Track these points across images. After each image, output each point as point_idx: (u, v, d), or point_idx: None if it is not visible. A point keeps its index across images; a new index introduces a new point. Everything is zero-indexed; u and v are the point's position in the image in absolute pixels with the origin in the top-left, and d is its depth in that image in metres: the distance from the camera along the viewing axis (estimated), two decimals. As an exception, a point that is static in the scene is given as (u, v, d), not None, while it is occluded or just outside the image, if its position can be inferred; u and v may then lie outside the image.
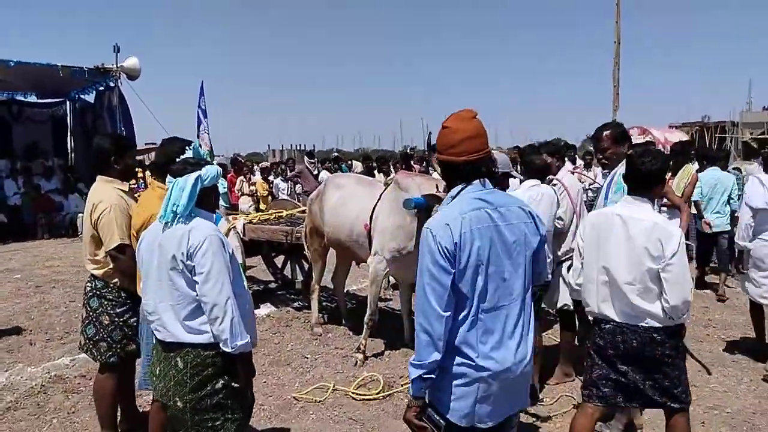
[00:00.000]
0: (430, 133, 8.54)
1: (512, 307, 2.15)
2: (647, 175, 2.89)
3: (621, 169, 3.66)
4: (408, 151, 15.17)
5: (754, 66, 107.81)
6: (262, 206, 10.96)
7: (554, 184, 4.51)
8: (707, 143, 32.71)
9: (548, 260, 2.48)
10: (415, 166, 11.38)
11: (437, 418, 2.12)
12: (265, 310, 6.77)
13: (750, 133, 39.80)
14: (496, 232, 2.11)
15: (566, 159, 5.68)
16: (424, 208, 4.43)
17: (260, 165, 14.74)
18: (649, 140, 12.16)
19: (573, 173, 5.10)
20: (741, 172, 9.21)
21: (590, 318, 3.22)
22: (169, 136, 3.55)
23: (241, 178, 11.99)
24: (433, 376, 2.08)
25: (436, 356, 2.05)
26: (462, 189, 2.18)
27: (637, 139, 11.31)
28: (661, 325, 2.82)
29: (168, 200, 2.55)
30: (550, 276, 4.01)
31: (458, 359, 2.10)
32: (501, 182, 3.50)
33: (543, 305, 4.57)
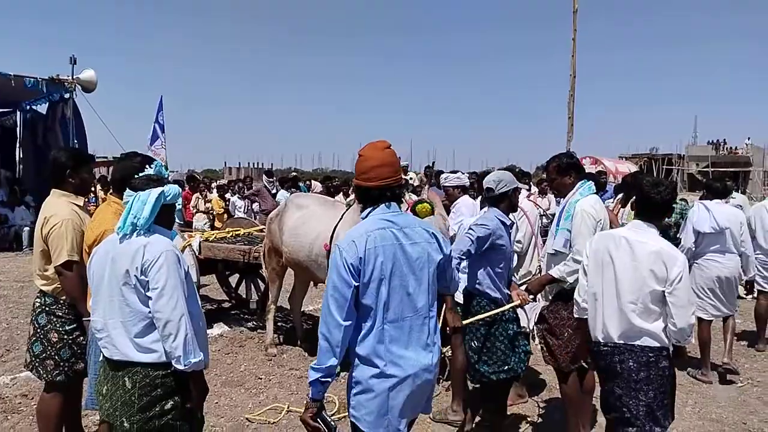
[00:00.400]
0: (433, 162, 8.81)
1: (416, 319, 2.36)
2: (660, 204, 3.00)
3: (572, 198, 3.84)
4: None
5: (699, 102, 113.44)
6: (217, 224, 10.81)
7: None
8: (655, 174, 34.19)
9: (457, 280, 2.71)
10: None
11: (329, 420, 2.32)
12: (218, 329, 6.65)
13: (696, 165, 41.66)
14: (400, 249, 2.34)
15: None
16: None
17: (217, 182, 14.49)
18: (600, 170, 12.66)
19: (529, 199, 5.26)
20: (687, 203, 9.65)
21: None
22: (124, 150, 3.50)
23: (197, 195, 11.82)
24: (330, 379, 2.30)
25: (333, 361, 2.25)
26: (371, 211, 2.43)
27: (589, 168, 11.70)
28: (657, 345, 2.89)
29: (128, 212, 2.52)
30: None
31: (367, 369, 2.31)
32: (513, 195, 3.76)
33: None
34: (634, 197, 3.22)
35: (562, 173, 3.95)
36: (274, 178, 14.55)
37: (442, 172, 6.86)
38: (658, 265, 2.85)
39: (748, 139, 43.12)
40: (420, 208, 4.65)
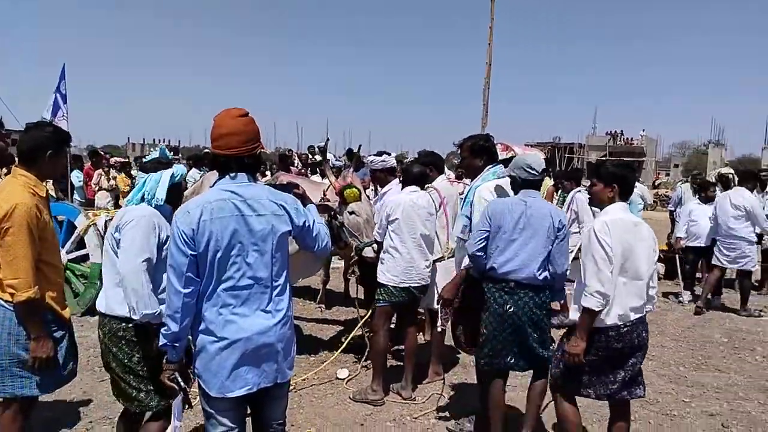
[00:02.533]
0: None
1: (257, 287, 2.41)
2: (633, 185, 3.33)
3: (475, 182, 3.81)
4: (286, 152, 14.99)
5: (599, 95, 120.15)
6: (122, 203, 10.25)
7: (431, 191, 4.75)
8: (557, 162, 35.89)
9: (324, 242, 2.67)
10: (293, 168, 11.26)
11: (180, 380, 2.50)
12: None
13: (595, 154, 44.13)
14: (242, 221, 2.36)
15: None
16: None
17: (113, 160, 13.09)
18: (512, 155, 13.09)
19: (450, 182, 5.32)
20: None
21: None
22: (24, 122, 3.22)
23: (99, 171, 11.08)
24: (177, 344, 2.42)
25: (175, 327, 2.35)
26: (218, 180, 2.47)
27: (501, 154, 11.96)
28: (648, 310, 3.26)
29: (141, 188, 2.90)
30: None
31: (203, 335, 2.39)
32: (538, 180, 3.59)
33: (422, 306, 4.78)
34: (616, 184, 3.18)
35: (474, 154, 3.92)
36: (180, 156, 13.93)
37: (360, 155, 6.77)
38: (654, 240, 3.23)
39: (643, 130, 46.30)
40: (348, 193, 4.60)
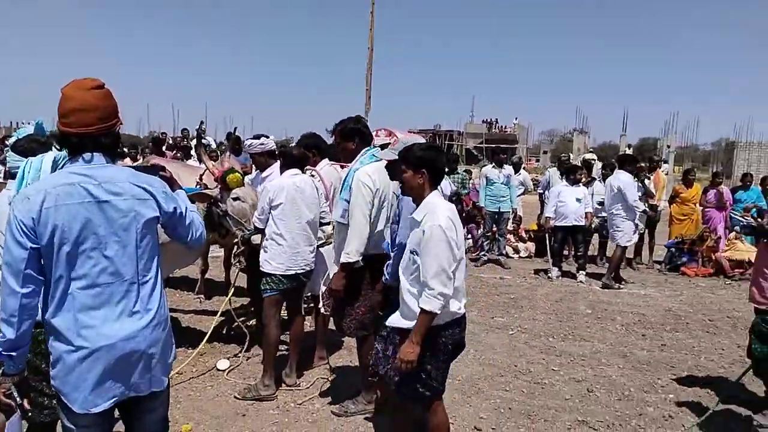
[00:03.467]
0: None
1: (119, 285, 2.10)
2: (442, 168, 3.09)
3: (353, 165, 3.76)
4: (160, 135, 14.18)
5: (476, 84, 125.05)
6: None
7: (312, 175, 4.67)
8: (439, 148, 37.06)
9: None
10: (167, 152, 10.68)
11: (17, 396, 2.12)
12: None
13: (473, 141, 46.07)
14: (96, 208, 2.06)
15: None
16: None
17: None
18: (394, 140, 13.29)
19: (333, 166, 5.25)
20: (468, 174, 10.78)
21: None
22: None
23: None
24: (15, 353, 2.06)
25: (10, 333, 2.01)
26: (67, 161, 2.15)
27: (384, 139, 12.06)
28: None
29: (22, 180, 2.55)
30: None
31: (57, 339, 2.07)
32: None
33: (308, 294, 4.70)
34: (425, 169, 3.12)
35: (345, 138, 3.89)
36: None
37: (240, 138, 6.53)
38: None
39: (516, 119, 48.97)
40: (231, 179, 4.40)
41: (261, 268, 4.20)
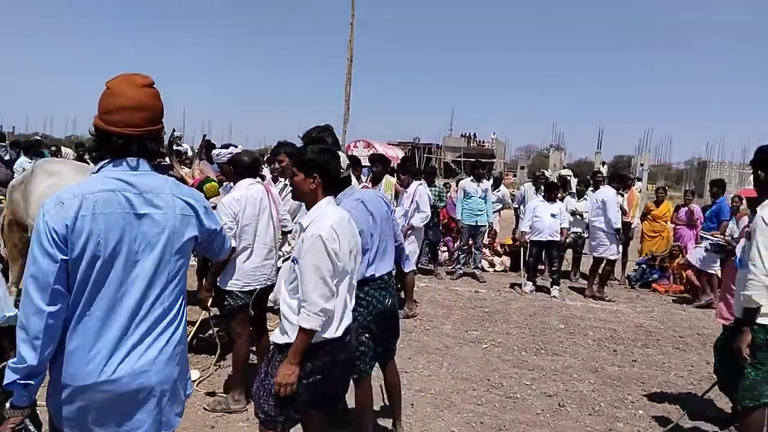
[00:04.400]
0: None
1: (142, 310, 1.88)
2: (335, 174, 2.88)
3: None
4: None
5: (456, 97, 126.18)
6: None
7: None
8: (417, 161, 37.29)
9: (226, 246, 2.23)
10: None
11: (32, 429, 1.85)
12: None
13: (451, 155, 46.37)
14: (134, 220, 1.85)
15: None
16: None
17: None
18: (373, 152, 13.36)
19: None
20: (445, 187, 10.88)
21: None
22: None
23: None
24: (32, 382, 1.78)
25: (32, 358, 1.74)
26: (106, 165, 1.90)
27: (362, 151, 12.28)
28: None
29: None
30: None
31: (65, 369, 1.81)
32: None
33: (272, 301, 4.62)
34: (317, 173, 2.76)
35: (307, 144, 3.77)
36: (7, 143, 12.50)
37: (214, 146, 6.46)
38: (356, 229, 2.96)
39: (494, 134, 49.40)
40: (208, 188, 4.33)
41: (218, 284, 4.06)
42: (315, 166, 2.73)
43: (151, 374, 1.89)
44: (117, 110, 1.86)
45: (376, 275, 3.42)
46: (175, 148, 6.03)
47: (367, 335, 3.39)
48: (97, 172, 1.90)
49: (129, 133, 1.87)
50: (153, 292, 1.90)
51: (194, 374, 4.63)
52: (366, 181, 7.80)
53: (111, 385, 1.82)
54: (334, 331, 2.60)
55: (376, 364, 3.60)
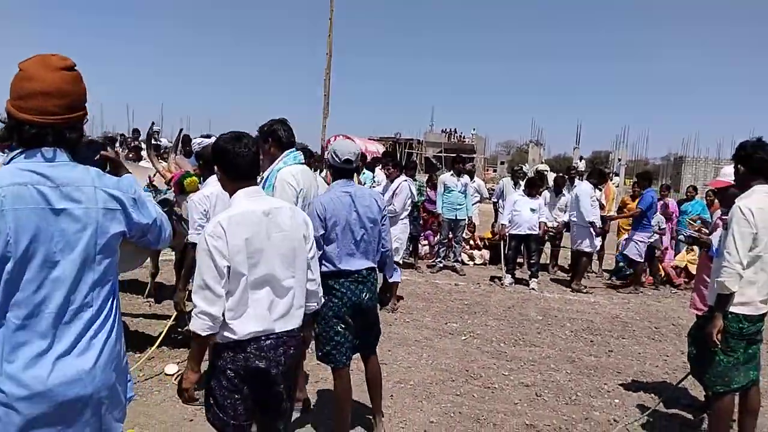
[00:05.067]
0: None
1: (67, 314, 1.72)
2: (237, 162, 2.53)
3: (275, 166, 3.60)
4: (116, 136, 13.91)
5: (436, 94, 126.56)
6: None
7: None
8: (398, 156, 37.31)
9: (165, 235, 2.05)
10: (117, 149, 10.42)
11: None
12: None
13: (432, 150, 46.48)
14: (50, 216, 1.68)
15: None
16: None
17: None
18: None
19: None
20: (430, 183, 10.90)
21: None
22: None
23: None
24: None
25: None
26: (18, 155, 1.73)
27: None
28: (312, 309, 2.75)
29: None
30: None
31: None
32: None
33: None
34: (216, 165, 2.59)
35: (262, 138, 3.76)
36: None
37: (191, 140, 6.39)
38: (299, 224, 2.63)
39: (474, 129, 49.55)
40: (188, 183, 4.25)
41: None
42: (214, 157, 2.50)
43: (86, 383, 1.75)
44: (29, 96, 1.69)
45: (352, 269, 3.42)
46: (153, 142, 5.95)
47: (342, 326, 3.42)
48: (8, 163, 1.73)
49: (42, 121, 1.70)
50: (78, 295, 1.74)
51: (172, 368, 4.61)
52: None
53: (40, 398, 1.67)
54: (233, 335, 2.33)
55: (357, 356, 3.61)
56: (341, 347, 3.42)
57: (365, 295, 3.48)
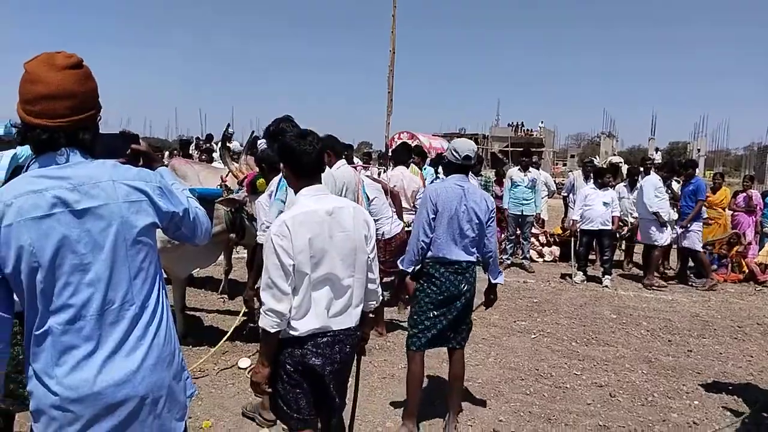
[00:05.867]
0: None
1: (109, 315, 1.68)
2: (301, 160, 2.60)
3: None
4: (191, 139, 14.46)
5: (502, 86, 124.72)
6: None
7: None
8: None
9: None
10: (193, 153, 10.87)
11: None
12: None
13: (498, 145, 45.81)
14: (73, 219, 1.63)
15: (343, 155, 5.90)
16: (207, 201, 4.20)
17: None
18: (417, 144, 13.35)
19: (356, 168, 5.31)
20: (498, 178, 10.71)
21: None
22: None
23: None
24: None
25: None
26: (32, 163, 1.70)
27: (408, 142, 12.27)
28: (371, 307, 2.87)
29: None
30: None
31: (38, 385, 1.66)
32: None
33: None
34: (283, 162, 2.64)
35: (271, 138, 3.77)
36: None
37: (258, 138, 6.53)
38: (361, 223, 2.67)
39: (542, 122, 48.41)
40: (260, 184, 4.30)
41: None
42: (280, 155, 2.55)
43: (135, 383, 1.71)
44: (36, 99, 1.61)
45: (453, 259, 3.54)
46: (228, 144, 6.15)
47: (434, 312, 3.56)
48: (27, 169, 1.70)
49: (53, 125, 1.63)
50: (117, 294, 1.69)
51: (245, 362, 4.76)
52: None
53: (89, 400, 1.65)
54: (294, 331, 2.39)
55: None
56: (428, 332, 3.59)
57: (463, 286, 3.58)
